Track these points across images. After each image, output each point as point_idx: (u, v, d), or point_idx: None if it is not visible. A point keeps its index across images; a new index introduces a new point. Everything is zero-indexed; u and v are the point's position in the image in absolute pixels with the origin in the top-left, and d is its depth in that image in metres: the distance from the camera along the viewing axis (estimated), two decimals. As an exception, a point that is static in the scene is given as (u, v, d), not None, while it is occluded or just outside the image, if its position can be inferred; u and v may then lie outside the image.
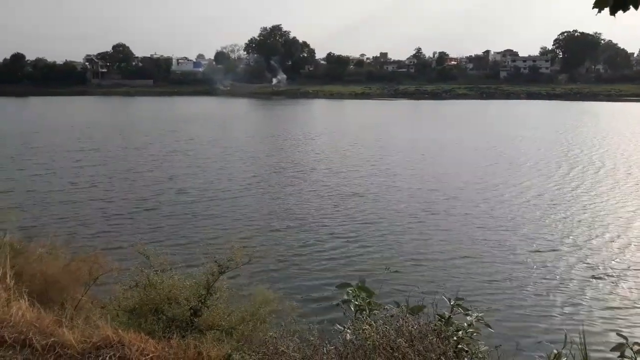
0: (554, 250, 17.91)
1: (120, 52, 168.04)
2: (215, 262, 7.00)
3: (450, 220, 21.48)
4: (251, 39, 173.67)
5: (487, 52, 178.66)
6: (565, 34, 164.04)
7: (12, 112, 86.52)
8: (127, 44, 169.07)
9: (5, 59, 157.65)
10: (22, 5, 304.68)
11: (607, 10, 3.18)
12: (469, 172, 32.36)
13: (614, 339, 3.73)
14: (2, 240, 9.56)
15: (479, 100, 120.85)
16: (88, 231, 19.59)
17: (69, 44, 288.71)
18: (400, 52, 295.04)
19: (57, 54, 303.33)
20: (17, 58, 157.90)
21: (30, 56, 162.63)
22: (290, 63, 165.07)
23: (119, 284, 7.41)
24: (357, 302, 4.45)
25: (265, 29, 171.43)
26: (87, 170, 31.77)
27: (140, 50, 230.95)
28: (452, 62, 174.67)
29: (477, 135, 53.08)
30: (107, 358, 3.87)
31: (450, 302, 4.28)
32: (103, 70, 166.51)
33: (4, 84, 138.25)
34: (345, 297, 4.51)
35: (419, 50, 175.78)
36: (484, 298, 13.67)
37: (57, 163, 34.39)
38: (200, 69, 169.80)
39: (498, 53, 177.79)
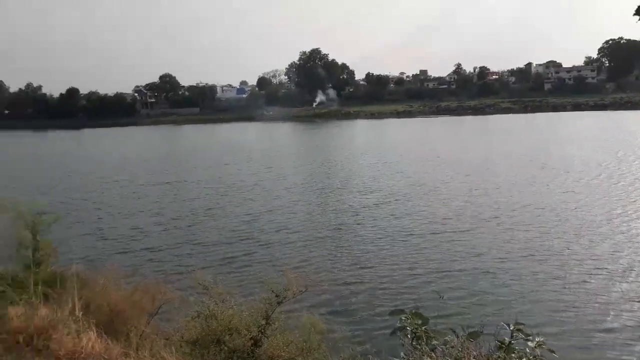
0: (617, 271, 17.07)
1: (167, 82, 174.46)
2: (272, 292, 7.11)
3: (500, 246, 20.89)
4: (291, 63, 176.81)
5: (529, 64, 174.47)
6: (611, 42, 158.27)
7: (74, 144, 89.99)
8: (172, 74, 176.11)
9: (61, 94, 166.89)
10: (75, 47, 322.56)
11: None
12: (525, 196, 31.51)
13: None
14: (70, 271, 10.08)
15: (524, 115, 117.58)
16: (149, 260, 20.23)
17: (118, 77, 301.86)
18: (440, 69, 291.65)
19: (106, 87, 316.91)
20: (72, 92, 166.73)
21: (83, 90, 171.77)
22: (330, 85, 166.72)
23: (181, 313, 7.62)
24: (412, 329, 4.39)
25: (304, 52, 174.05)
26: (147, 205, 32.40)
27: (185, 79, 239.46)
28: (494, 77, 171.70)
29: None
30: (180, 392, 4.00)
31: (509, 327, 4.17)
32: (151, 100, 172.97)
33: (62, 117, 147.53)
34: (398, 324, 4.47)
35: (459, 65, 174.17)
36: (544, 322, 13.15)
37: (117, 196, 35.52)
38: (244, 95, 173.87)
39: (540, 65, 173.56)
